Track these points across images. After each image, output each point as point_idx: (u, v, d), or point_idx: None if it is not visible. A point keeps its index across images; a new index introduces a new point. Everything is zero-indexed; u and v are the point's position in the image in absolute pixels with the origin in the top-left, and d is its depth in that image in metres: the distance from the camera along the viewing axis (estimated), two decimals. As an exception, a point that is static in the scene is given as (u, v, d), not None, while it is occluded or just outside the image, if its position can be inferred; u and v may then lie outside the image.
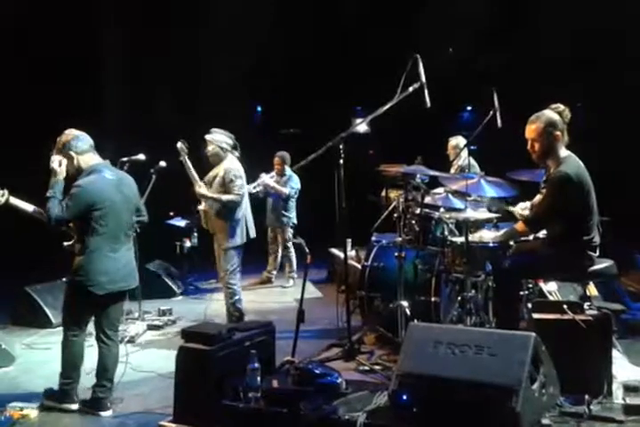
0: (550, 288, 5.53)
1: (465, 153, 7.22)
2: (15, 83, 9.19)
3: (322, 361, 4.99)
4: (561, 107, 4.53)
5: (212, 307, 7.32)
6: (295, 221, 8.52)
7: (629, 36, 9.05)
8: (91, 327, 4.61)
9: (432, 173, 5.70)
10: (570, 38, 9.68)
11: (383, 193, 7.28)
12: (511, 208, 5.23)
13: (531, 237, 5.04)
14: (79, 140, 4.39)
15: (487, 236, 5.14)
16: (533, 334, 3.58)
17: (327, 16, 11.21)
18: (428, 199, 5.80)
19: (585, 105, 7.91)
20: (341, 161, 5.08)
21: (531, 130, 4.48)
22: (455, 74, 10.65)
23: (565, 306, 4.18)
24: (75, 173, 4.41)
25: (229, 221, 6.01)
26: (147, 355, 5.75)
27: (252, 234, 6.21)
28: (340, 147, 5.04)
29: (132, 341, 6.05)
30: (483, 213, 5.59)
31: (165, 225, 8.35)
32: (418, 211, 5.62)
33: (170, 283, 7.96)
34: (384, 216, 6.49)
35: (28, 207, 4.47)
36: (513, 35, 10.31)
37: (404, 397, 3.54)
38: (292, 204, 8.48)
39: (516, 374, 3.36)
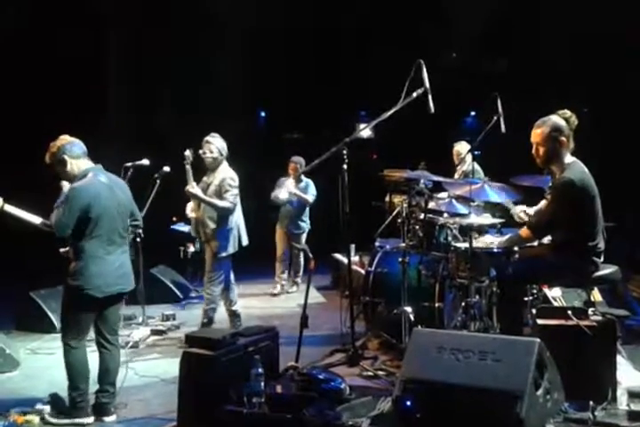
0: (555, 294, 5.52)
1: (469, 158, 7.23)
2: (17, 85, 9.23)
3: (325, 367, 5.00)
4: (568, 113, 4.52)
5: (216, 312, 7.30)
6: (309, 227, 8.56)
7: (631, 39, 9.05)
8: (90, 333, 4.59)
9: (436, 178, 5.70)
10: (572, 43, 9.68)
11: (387, 198, 7.28)
12: (510, 207, 5.21)
13: (535, 243, 5.03)
14: (73, 145, 4.41)
15: (491, 241, 5.13)
16: (538, 339, 3.57)
17: (332, 20, 11.23)
18: (431, 205, 5.80)
19: (588, 109, 7.91)
20: (345, 166, 5.09)
21: (536, 134, 4.47)
22: (459, 79, 10.66)
23: (570, 312, 4.17)
24: (68, 178, 4.44)
25: (222, 229, 5.96)
26: (150, 360, 5.75)
27: (245, 242, 6.17)
28: (344, 152, 5.05)
29: (135, 346, 6.06)
30: (486, 219, 5.58)
31: (169, 230, 8.36)
32: (421, 216, 5.62)
33: (173, 288, 7.96)
34: (388, 221, 6.48)
35: (25, 215, 4.43)
36: (516, 40, 10.33)
37: (408, 402, 3.53)
38: (308, 210, 8.51)
39: (520, 379, 3.35)
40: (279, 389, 4.06)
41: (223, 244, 5.98)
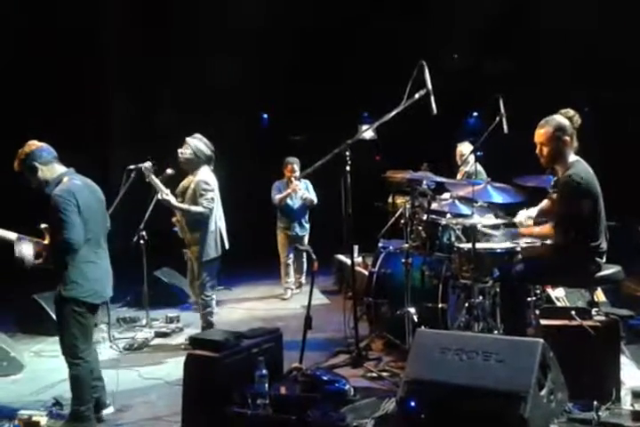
0: (558, 294, 5.52)
1: (472, 159, 7.23)
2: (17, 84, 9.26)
3: (329, 368, 5.01)
4: (571, 112, 4.53)
5: (220, 314, 7.32)
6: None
7: (633, 39, 9.04)
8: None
9: (439, 179, 5.70)
10: (574, 43, 9.68)
11: (390, 199, 7.29)
12: (516, 220, 5.15)
13: (538, 243, 5.03)
14: (42, 150, 4.23)
15: (524, 216, 5.03)
16: (541, 340, 3.57)
17: (333, 22, 11.23)
18: (434, 205, 5.81)
19: (590, 109, 7.90)
20: (348, 168, 5.09)
21: (540, 134, 4.48)
22: (461, 80, 10.66)
23: (573, 312, 4.17)
24: (39, 186, 4.23)
25: (202, 233, 5.90)
26: (155, 362, 5.75)
27: (226, 246, 6.10)
28: (347, 153, 5.06)
29: (139, 348, 6.07)
30: (489, 219, 5.59)
31: (172, 232, 8.35)
32: (424, 217, 5.62)
33: (177, 290, 7.97)
34: (391, 222, 6.49)
35: (12, 236, 4.31)
36: (518, 40, 10.32)
37: (412, 403, 3.54)
38: (309, 212, 8.41)
39: (524, 380, 3.35)
40: (283, 390, 4.06)
41: (204, 249, 5.91)
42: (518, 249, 5.03)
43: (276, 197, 8.19)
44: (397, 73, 5.43)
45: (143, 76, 11.02)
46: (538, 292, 5.31)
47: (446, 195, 6.33)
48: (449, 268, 5.49)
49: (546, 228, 4.66)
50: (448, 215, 5.85)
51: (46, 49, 9.55)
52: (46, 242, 4.29)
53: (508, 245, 5.18)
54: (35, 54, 9.49)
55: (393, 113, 4.97)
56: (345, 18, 11.13)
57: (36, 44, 9.51)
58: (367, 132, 5.96)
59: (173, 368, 5.15)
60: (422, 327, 4.96)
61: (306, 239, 8.36)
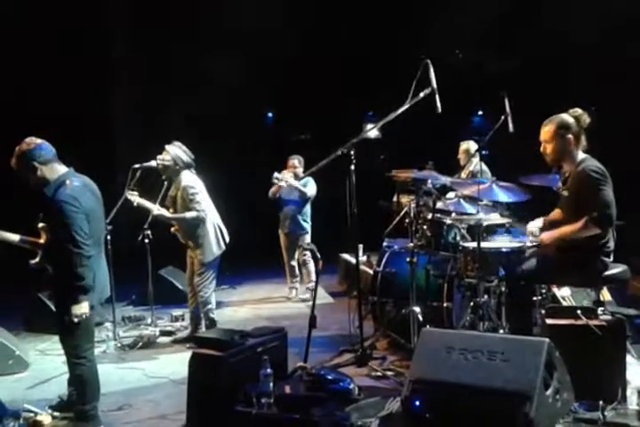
0: (564, 293, 5.50)
1: (476, 158, 7.22)
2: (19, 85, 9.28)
3: (334, 367, 5.00)
4: (578, 111, 4.51)
5: (224, 313, 7.33)
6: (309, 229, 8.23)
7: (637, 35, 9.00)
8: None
9: (443, 178, 5.69)
10: (580, 41, 9.64)
11: (395, 198, 7.27)
12: (527, 232, 5.05)
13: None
14: (42, 149, 4.09)
15: (534, 226, 4.90)
16: (547, 339, 3.56)
17: (338, 21, 11.23)
18: (439, 204, 5.80)
19: (597, 108, 7.87)
20: (353, 167, 5.09)
21: (544, 132, 4.50)
22: (466, 78, 10.64)
23: (579, 311, 4.16)
24: (38, 185, 4.11)
25: (201, 237, 6.00)
26: (159, 361, 5.76)
27: (227, 239, 6.19)
28: (352, 152, 5.05)
29: (144, 347, 6.07)
30: (495, 218, 5.57)
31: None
32: (429, 216, 5.62)
33: (182, 289, 7.96)
34: (396, 221, 6.48)
35: (14, 238, 4.32)
36: (524, 38, 10.29)
37: (417, 403, 3.53)
38: (309, 210, 8.17)
39: (529, 379, 3.34)
40: (288, 389, 4.06)
41: (206, 251, 6.02)
42: (524, 248, 5.01)
43: (270, 191, 8.08)
44: (402, 72, 5.42)
45: (145, 74, 11.03)
46: (543, 291, 5.29)
47: (451, 193, 6.32)
48: (454, 267, 5.49)
49: (573, 225, 4.37)
50: (453, 214, 5.84)
51: (46, 48, 9.59)
52: (42, 241, 4.27)
53: (513, 244, 5.17)
54: (35, 54, 9.52)
55: (398, 112, 4.96)
56: (350, 16, 11.13)
57: (36, 44, 9.55)
58: (372, 132, 5.94)
59: (178, 367, 5.15)
60: (427, 326, 4.95)
61: (307, 238, 8.11)
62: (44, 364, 5.77)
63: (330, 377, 4.21)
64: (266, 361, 3.96)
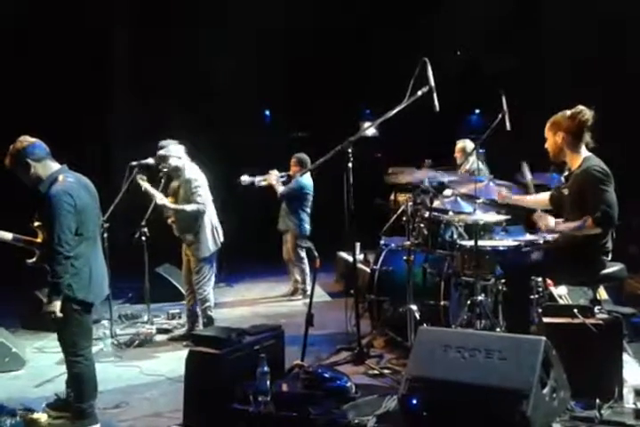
0: (560, 292, 5.50)
1: (473, 157, 7.21)
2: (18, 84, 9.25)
3: (331, 365, 5.00)
4: (579, 108, 4.51)
5: (221, 311, 7.32)
6: (306, 226, 8.00)
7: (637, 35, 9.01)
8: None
9: (441, 178, 5.69)
10: (579, 40, 9.64)
11: (392, 196, 7.28)
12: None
13: (549, 238, 4.99)
14: (35, 147, 4.12)
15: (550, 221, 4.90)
16: (544, 338, 3.56)
17: (336, 19, 11.22)
18: (436, 203, 5.79)
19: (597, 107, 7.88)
20: (350, 165, 5.09)
21: (546, 129, 4.59)
22: (463, 77, 10.64)
23: (576, 310, 4.16)
24: (33, 183, 4.13)
25: (198, 232, 5.98)
26: (156, 359, 5.76)
27: (221, 238, 6.19)
28: (349, 150, 5.05)
29: (141, 344, 6.07)
30: (492, 216, 5.58)
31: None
32: (426, 214, 5.61)
33: (179, 287, 7.95)
34: (393, 220, 6.48)
35: (7, 236, 4.30)
36: (521, 37, 10.30)
37: (414, 401, 3.53)
38: (296, 207, 7.95)
39: (526, 378, 3.34)
40: (285, 387, 4.07)
41: (202, 247, 6.01)
42: (521, 246, 5.01)
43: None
44: (400, 70, 5.41)
45: (145, 74, 11.01)
46: (540, 289, 5.29)
47: (448, 191, 6.32)
48: (451, 265, 5.48)
49: (576, 222, 4.33)
50: (450, 212, 5.84)
51: (46, 48, 9.57)
52: (39, 240, 4.25)
53: (510, 242, 5.17)
54: (35, 53, 9.50)
55: (396, 110, 4.97)
56: (347, 15, 11.13)
57: (36, 44, 9.53)
58: (369, 130, 5.95)
59: (175, 365, 5.15)
60: (424, 325, 4.96)
61: (302, 237, 7.95)
62: (41, 361, 5.76)
63: (327, 375, 4.21)
64: (263, 359, 3.97)
